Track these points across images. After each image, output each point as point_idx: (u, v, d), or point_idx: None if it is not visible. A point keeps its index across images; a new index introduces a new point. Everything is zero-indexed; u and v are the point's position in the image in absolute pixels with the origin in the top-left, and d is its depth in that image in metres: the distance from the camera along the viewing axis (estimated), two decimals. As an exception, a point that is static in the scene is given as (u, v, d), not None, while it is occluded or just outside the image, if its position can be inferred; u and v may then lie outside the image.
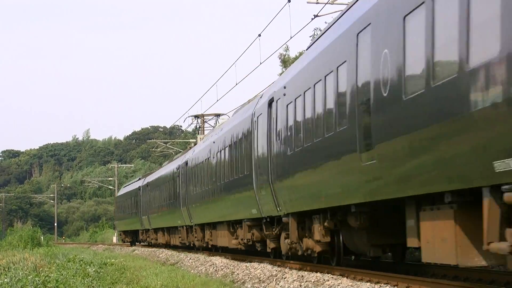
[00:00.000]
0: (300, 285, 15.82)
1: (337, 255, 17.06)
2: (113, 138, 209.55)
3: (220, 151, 25.68)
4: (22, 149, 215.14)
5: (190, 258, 28.71)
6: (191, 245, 34.50)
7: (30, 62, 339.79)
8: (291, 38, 30.19)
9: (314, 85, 15.61)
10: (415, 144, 10.58)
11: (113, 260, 31.11)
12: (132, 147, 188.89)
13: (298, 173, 16.96)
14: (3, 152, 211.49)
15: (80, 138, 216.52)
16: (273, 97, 19.25)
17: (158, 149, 72.48)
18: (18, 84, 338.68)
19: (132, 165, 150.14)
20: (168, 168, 39.49)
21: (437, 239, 10.50)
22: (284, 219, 19.05)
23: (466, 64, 9.03)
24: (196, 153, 31.42)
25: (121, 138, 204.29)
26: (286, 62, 57.32)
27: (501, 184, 8.57)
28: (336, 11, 28.29)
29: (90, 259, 31.51)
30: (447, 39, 9.60)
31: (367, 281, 15.01)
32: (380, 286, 13.85)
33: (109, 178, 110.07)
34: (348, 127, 13.40)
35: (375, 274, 15.72)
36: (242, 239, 23.98)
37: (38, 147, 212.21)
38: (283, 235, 19.74)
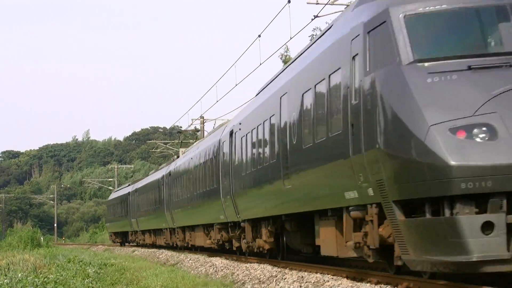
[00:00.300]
0: (300, 286, 15.85)
1: (281, 252, 21.85)
2: (113, 138, 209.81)
3: (197, 166, 30.96)
4: (22, 150, 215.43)
5: (190, 259, 28.74)
6: (174, 245, 39.27)
7: (30, 62, 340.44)
8: (291, 38, 30.33)
9: (257, 126, 20.83)
10: (309, 178, 15.99)
11: (113, 260, 31.17)
12: (132, 147, 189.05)
13: (249, 190, 22.09)
14: (3, 152, 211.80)
15: (80, 139, 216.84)
16: (233, 129, 24.58)
17: (158, 150, 72.50)
18: (18, 84, 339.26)
19: (132, 165, 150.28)
20: (155, 176, 44.70)
21: (327, 239, 15.83)
22: (242, 224, 24.31)
23: (329, 133, 14.39)
24: (178, 166, 36.80)
25: (121, 138, 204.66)
26: (287, 62, 57.32)
27: (349, 206, 13.76)
28: (336, 12, 28.32)
29: (90, 259, 31.55)
30: (321, 115, 14.95)
31: (367, 282, 15.05)
32: (380, 286, 13.88)
33: (109, 179, 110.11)
34: (276, 161, 18.67)
35: (375, 274, 15.76)
36: (214, 240, 28.90)
37: (38, 148, 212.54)
38: (242, 236, 24.87)
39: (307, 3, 25.83)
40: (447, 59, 11.28)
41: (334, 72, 14.00)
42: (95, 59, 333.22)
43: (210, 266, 24.30)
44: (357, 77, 12.74)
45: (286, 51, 57.34)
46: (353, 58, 12.98)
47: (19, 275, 21.83)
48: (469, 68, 11.12)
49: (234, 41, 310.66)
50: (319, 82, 14.97)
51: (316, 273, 17.58)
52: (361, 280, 15.64)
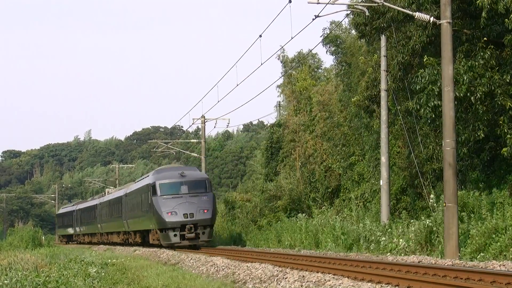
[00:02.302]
0: (302, 285, 15.84)
1: (146, 243, 45.89)
2: (114, 138, 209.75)
3: (114, 203, 57.97)
4: (23, 150, 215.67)
5: (191, 258, 28.76)
6: (102, 242, 65.86)
7: (31, 62, 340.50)
8: (292, 38, 30.37)
9: (134, 197, 48.91)
10: (145, 220, 45.42)
11: (114, 260, 31.19)
12: (133, 147, 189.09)
13: (131, 219, 49.57)
14: (4, 152, 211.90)
15: (82, 139, 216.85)
16: (126, 193, 51.32)
17: (159, 149, 72.53)
18: (19, 84, 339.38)
19: (133, 165, 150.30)
20: (92, 202, 71.69)
21: (151, 238, 44.79)
22: (130, 232, 51.04)
23: (146, 209, 44.88)
24: (105, 200, 63.28)
25: (122, 138, 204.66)
26: (285, 63, 57.67)
27: (151, 229, 44.74)
28: (337, 11, 28.35)
29: (92, 259, 31.57)
30: (144, 202, 45.30)
31: (368, 281, 15.06)
32: (382, 286, 13.88)
33: (111, 179, 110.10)
34: (138, 210, 47.16)
35: (376, 274, 15.77)
36: (121, 239, 55.82)
37: (39, 148, 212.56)
38: (130, 237, 52.01)
39: (308, 3, 25.73)
40: (168, 195, 41.70)
41: (147, 192, 43.33)
42: (97, 59, 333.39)
43: (211, 266, 24.29)
44: (150, 196, 42.34)
45: (283, 52, 57.97)
46: (149, 190, 42.55)
47: (19, 274, 21.83)
48: (173, 197, 41.60)
49: (235, 41, 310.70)
50: (144, 192, 44.11)
51: (317, 272, 17.58)
52: (362, 279, 15.64)
